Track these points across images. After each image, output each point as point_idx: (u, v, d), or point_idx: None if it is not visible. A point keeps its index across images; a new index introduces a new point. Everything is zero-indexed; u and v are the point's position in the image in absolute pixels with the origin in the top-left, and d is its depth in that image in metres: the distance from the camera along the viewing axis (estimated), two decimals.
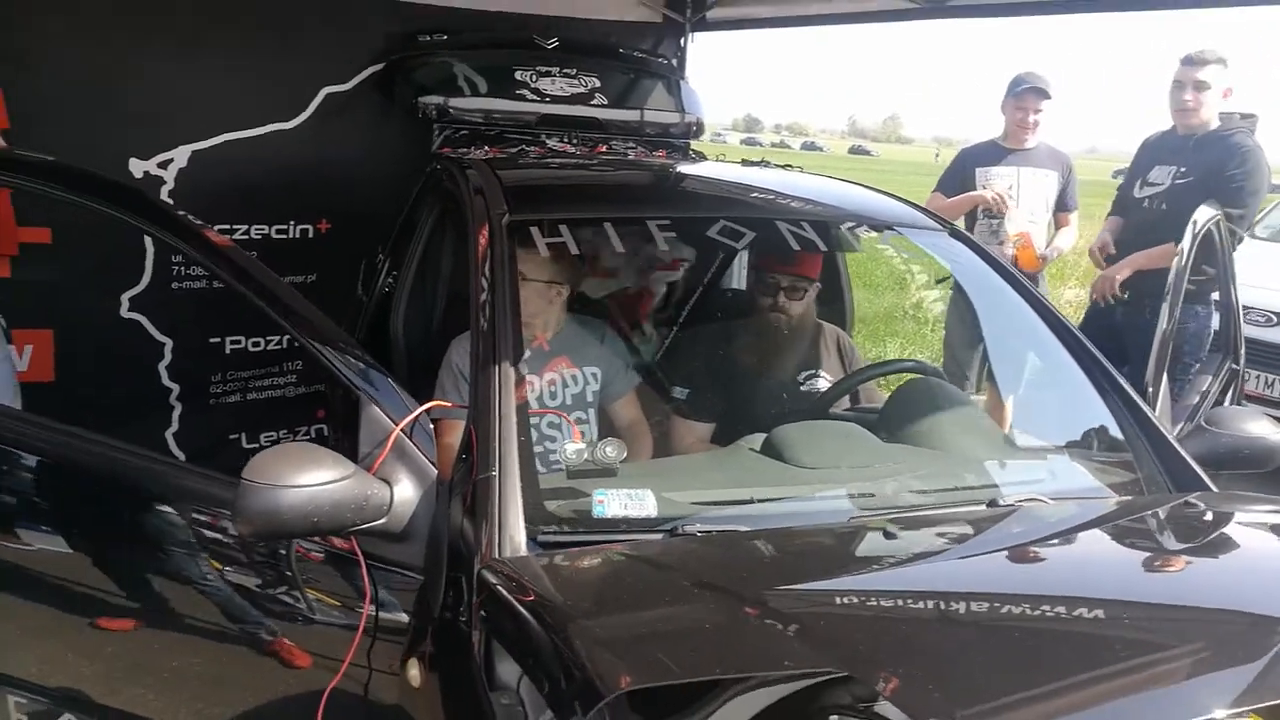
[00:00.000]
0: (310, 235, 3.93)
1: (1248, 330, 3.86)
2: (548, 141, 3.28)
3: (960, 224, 4.27)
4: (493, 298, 1.96)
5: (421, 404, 1.81)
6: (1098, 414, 2.22)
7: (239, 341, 3.94)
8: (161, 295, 3.64)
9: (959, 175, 4.32)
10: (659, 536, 1.64)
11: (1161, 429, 2.16)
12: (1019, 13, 3.82)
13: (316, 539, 1.79)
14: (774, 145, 59.31)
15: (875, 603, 1.50)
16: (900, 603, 1.49)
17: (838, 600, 1.49)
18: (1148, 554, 1.79)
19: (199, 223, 2.17)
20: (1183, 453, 2.09)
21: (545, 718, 1.37)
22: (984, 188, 4.20)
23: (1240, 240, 3.84)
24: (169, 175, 3.51)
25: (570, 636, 1.31)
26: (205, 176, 3.54)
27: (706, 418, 2.67)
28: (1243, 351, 3.03)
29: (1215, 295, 3.62)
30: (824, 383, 2.80)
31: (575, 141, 3.48)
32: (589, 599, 1.49)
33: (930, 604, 1.48)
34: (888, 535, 1.64)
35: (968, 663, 1.28)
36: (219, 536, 1.94)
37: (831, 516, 1.76)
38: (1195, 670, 1.31)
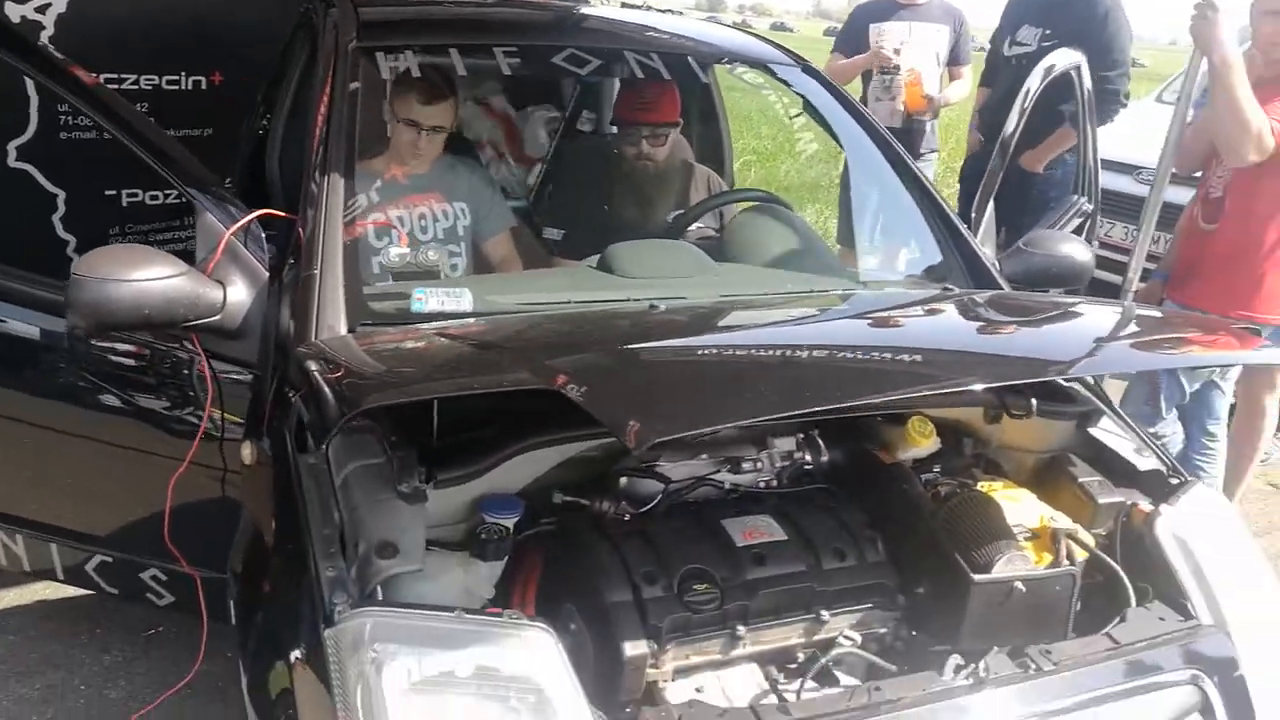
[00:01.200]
0: (203, 87, 3.90)
1: (1139, 189, 4.01)
2: None
3: (858, 83, 4.37)
4: (330, 117, 2.04)
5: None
6: (923, 238, 2.38)
7: (136, 194, 3.94)
8: (50, 144, 3.62)
9: (854, 32, 4.37)
10: (470, 321, 1.78)
11: (975, 247, 2.32)
12: None
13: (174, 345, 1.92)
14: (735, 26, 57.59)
15: (613, 344, 1.67)
16: (638, 344, 1.67)
17: (583, 341, 1.65)
18: (880, 318, 1.96)
19: (63, 58, 2.20)
20: (988, 263, 2.25)
21: (345, 473, 1.54)
22: (878, 44, 4.26)
23: (1124, 103, 3.96)
24: (48, 20, 3.45)
25: (342, 372, 1.47)
26: (87, 22, 3.47)
27: (580, 256, 2.79)
28: (1098, 194, 3.16)
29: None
30: (691, 223, 2.92)
31: None
32: (375, 359, 1.64)
33: (663, 344, 1.65)
34: (654, 308, 1.80)
35: (669, 372, 1.47)
36: (93, 354, 2.06)
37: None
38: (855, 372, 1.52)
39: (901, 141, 4.04)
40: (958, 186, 4.46)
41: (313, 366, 1.58)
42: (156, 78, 3.77)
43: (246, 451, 1.81)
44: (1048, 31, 3.84)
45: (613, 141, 3.04)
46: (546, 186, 3.08)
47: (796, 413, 1.29)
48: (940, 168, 5.31)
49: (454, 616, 1.28)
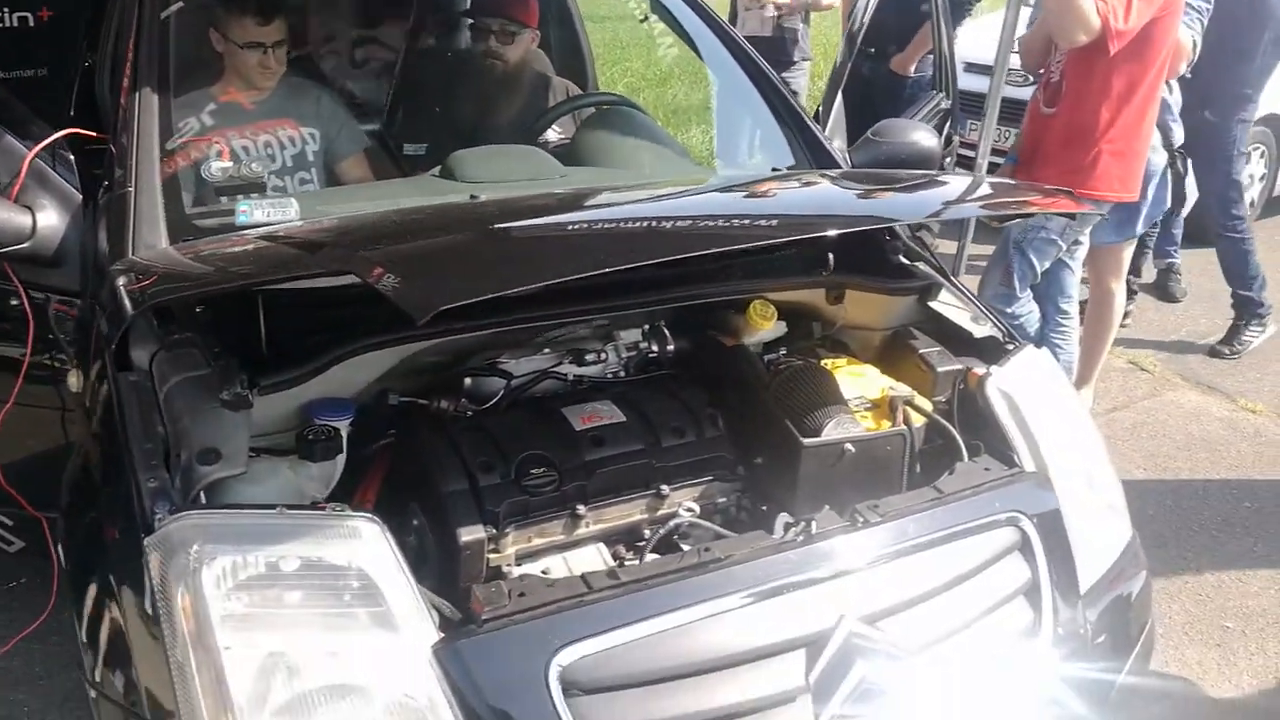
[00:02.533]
0: (30, 24, 3.68)
1: (1008, 90, 4.10)
2: None
3: None
4: (138, 28, 1.95)
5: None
6: (771, 135, 2.40)
7: None
8: None
9: None
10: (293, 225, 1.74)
11: (822, 139, 2.34)
12: None
13: None
14: None
15: (422, 228, 1.67)
16: (449, 232, 1.67)
17: (398, 233, 1.65)
18: (706, 196, 1.99)
19: None
20: (837, 155, 2.28)
21: (168, 386, 1.50)
22: None
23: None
24: None
25: (148, 280, 1.44)
26: None
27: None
28: (955, 90, 3.22)
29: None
30: (553, 134, 2.89)
31: None
32: (185, 263, 1.60)
33: (473, 230, 1.65)
34: (475, 197, 1.79)
35: (467, 250, 1.49)
36: None
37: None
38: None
39: (773, 49, 4.07)
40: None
41: (122, 280, 1.53)
42: None
43: (73, 380, 1.76)
44: None
45: (462, 54, 2.98)
46: (399, 102, 3.00)
47: (585, 275, 1.30)
48: (817, 75, 5.33)
49: (275, 513, 1.27)
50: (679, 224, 1.67)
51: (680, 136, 4.56)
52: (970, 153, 4.00)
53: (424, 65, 3.01)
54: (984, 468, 1.65)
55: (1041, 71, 3.10)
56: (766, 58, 3.21)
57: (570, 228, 1.69)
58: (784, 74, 3.95)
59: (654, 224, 1.63)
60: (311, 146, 2.62)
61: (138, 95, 1.84)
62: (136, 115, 1.82)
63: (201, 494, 1.34)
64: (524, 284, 1.23)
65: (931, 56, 3.88)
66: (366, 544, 1.26)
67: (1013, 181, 2.80)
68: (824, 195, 1.96)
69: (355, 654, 1.22)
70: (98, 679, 1.35)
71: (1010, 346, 1.90)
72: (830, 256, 1.86)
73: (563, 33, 3.40)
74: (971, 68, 4.51)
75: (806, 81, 4.71)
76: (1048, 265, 2.99)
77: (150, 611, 1.23)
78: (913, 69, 4.04)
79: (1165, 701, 2.23)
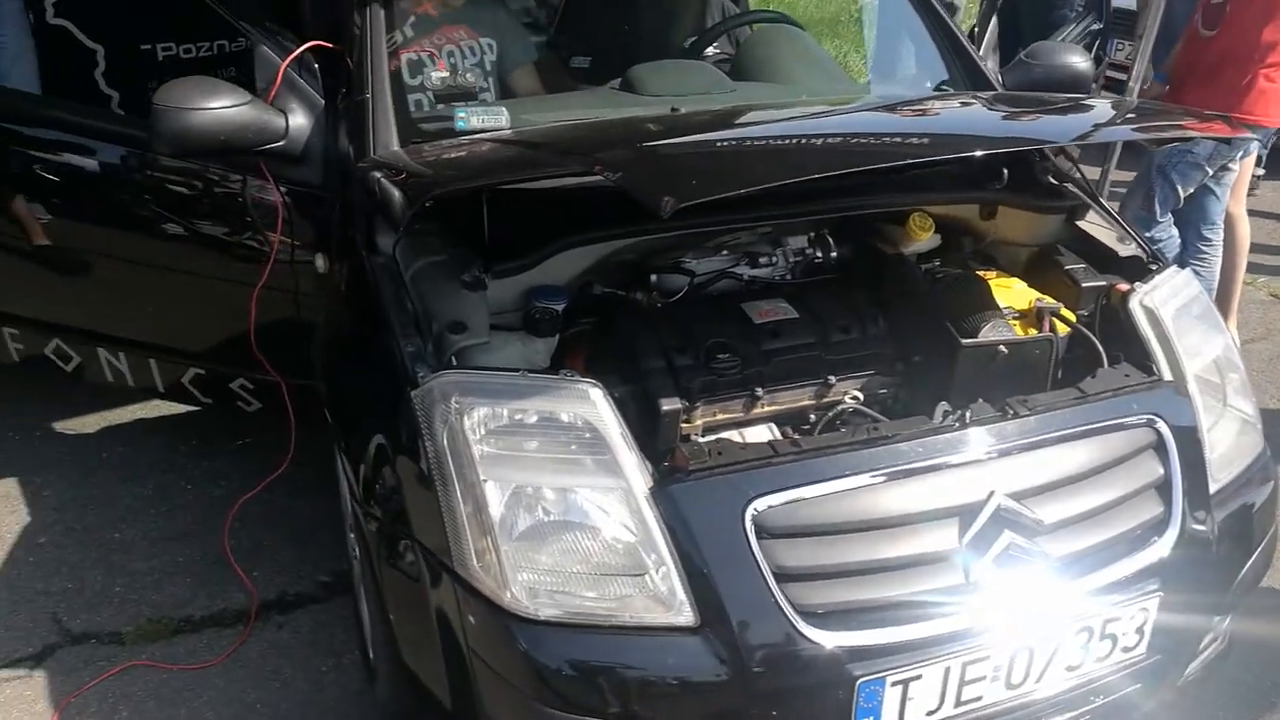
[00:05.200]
0: None
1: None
2: None
3: None
4: None
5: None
6: (929, 54, 2.50)
7: (170, 48, 4.05)
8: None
9: None
10: (508, 133, 1.97)
11: (976, 60, 2.44)
12: None
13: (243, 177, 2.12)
14: None
15: (639, 135, 1.86)
16: (661, 138, 1.86)
17: (613, 139, 1.86)
18: (883, 111, 2.12)
19: None
20: (990, 76, 2.38)
21: (413, 269, 1.77)
22: None
23: None
24: None
25: (404, 176, 1.69)
26: None
27: (604, 82, 2.93)
28: (1108, 10, 3.23)
29: None
30: (710, 49, 3.04)
31: None
32: (432, 163, 1.85)
33: (684, 137, 1.86)
34: (675, 110, 1.98)
35: (690, 155, 1.69)
36: (182, 188, 2.28)
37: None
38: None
39: None
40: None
41: (378, 175, 1.79)
42: None
43: (320, 262, 2.05)
44: None
45: None
46: (569, 17, 3.18)
47: (806, 177, 1.48)
48: None
49: (519, 375, 1.53)
50: (867, 138, 1.83)
51: (836, 53, 4.61)
52: (1119, 75, 3.98)
53: None
54: (1124, 374, 1.80)
55: None
56: None
57: (782, 140, 1.86)
58: None
59: (848, 138, 1.81)
60: (489, 56, 2.83)
61: (368, 11, 2.08)
62: (369, 30, 2.06)
63: (453, 358, 1.61)
64: (750, 185, 1.42)
65: None
66: (593, 403, 1.51)
67: (1166, 105, 2.83)
68: (981, 116, 2.08)
69: (583, 493, 1.47)
70: (372, 508, 1.65)
71: (1154, 266, 2.01)
72: (1005, 172, 1.98)
73: None
74: None
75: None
76: (1191, 190, 3.02)
77: (417, 450, 1.51)
78: None
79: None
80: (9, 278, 2.54)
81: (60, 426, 2.92)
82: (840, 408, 1.77)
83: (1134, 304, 1.89)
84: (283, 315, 2.24)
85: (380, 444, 1.64)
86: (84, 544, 2.50)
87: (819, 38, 5.82)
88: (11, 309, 2.56)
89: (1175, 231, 3.17)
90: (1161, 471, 1.72)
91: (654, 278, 1.90)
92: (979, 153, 1.80)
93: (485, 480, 1.45)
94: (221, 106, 1.90)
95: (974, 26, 2.71)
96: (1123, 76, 3.98)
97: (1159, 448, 1.73)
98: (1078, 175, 2.20)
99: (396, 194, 1.71)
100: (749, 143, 1.87)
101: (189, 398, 2.55)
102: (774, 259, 2.00)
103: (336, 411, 1.85)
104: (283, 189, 2.12)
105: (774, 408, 1.76)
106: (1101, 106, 2.01)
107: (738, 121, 2.01)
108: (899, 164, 1.78)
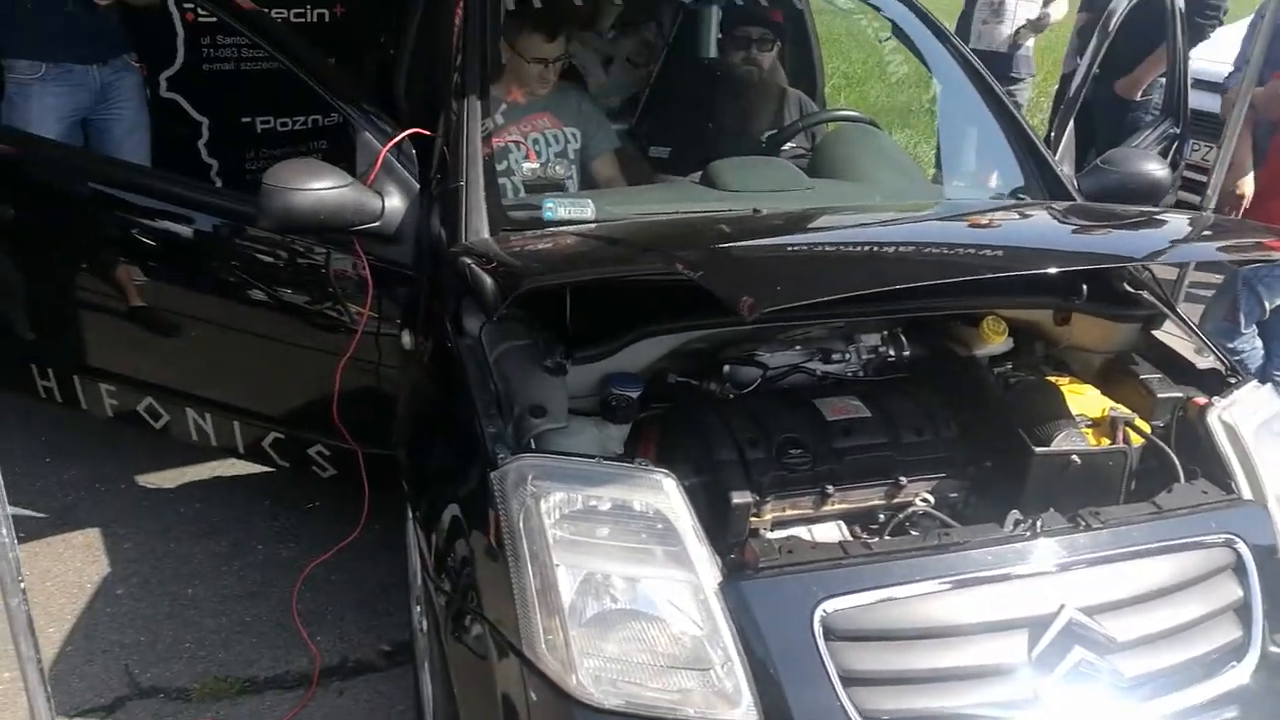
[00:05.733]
0: (326, 19, 4.20)
1: (1208, 102, 4.04)
2: None
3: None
4: (465, 47, 2.30)
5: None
6: (1005, 158, 2.54)
7: (268, 121, 4.29)
8: (195, 76, 3.99)
9: None
10: (594, 227, 2.05)
11: (1053, 165, 2.47)
12: None
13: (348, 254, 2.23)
14: None
15: (718, 237, 1.92)
16: (745, 239, 1.92)
17: (698, 238, 1.92)
18: (962, 221, 2.15)
19: None
20: (1065, 181, 2.41)
21: (497, 352, 1.83)
22: None
23: (1221, 20, 3.96)
24: None
25: (496, 265, 1.76)
26: None
27: (682, 173, 3.02)
28: (1186, 117, 3.25)
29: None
30: (787, 141, 3.12)
31: None
32: (522, 254, 1.92)
33: (767, 240, 1.91)
34: (757, 211, 2.04)
35: (774, 259, 1.73)
36: (271, 259, 2.40)
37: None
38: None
39: (1003, 66, 4.14)
40: (1048, 110, 4.52)
41: (470, 263, 1.87)
42: (285, 10, 4.08)
43: (406, 339, 2.13)
44: None
45: (716, 65, 3.24)
46: (651, 108, 3.30)
47: (889, 288, 1.51)
48: (1034, 92, 5.32)
49: (595, 462, 1.57)
50: (944, 248, 1.86)
51: (906, 143, 4.67)
52: (1197, 176, 3.97)
53: (677, 73, 3.29)
54: (1201, 490, 1.77)
55: None
56: (994, 72, 3.33)
57: (864, 246, 1.91)
58: (1009, 88, 4.04)
59: (926, 247, 1.85)
60: (573, 145, 2.95)
61: (465, 102, 2.19)
62: (465, 120, 2.17)
63: (532, 441, 1.66)
64: (831, 293, 1.46)
65: (1158, 80, 3.89)
66: (666, 494, 1.54)
67: (1246, 222, 2.81)
68: (1056, 229, 2.10)
69: (652, 583, 1.49)
70: (443, 581, 1.69)
71: (1233, 380, 1.99)
72: (1085, 288, 2.00)
73: (797, 45, 3.62)
74: (1196, 84, 4.45)
75: (1030, 95, 4.74)
76: (1278, 302, 2.99)
77: (494, 530, 1.55)
78: (1139, 94, 4.03)
79: None
80: (110, 337, 2.67)
81: (142, 480, 3.03)
82: (911, 509, 1.77)
83: (1212, 419, 1.87)
84: (363, 386, 2.33)
85: (456, 519, 1.68)
86: (158, 597, 2.57)
87: (890, 127, 5.94)
88: (110, 366, 2.68)
89: (1259, 343, 3.12)
90: (1241, 594, 1.68)
91: (727, 368, 1.94)
92: (1053, 270, 1.82)
93: (558, 565, 1.48)
94: (324, 188, 2.01)
95: (1049, 131, 2.74)
96: (1201, 178, 3.99)
97: (1238, 569, 1.69)
98: (1154, 284, 2.20)
99: (487, 281, 1.78)
100: (830, 248, 1.92)
101: (267, 460, 2.63)
102: (847, 355, 2.02)
103: (415, 483, 1.90)
104: (373, 266, 2.21)
105: (844, 506, 1.77)
106: (1178, 222, 2.01)
107: (818, 225, 2.07)
108: (974, 278, 1.81)
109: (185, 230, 2.50)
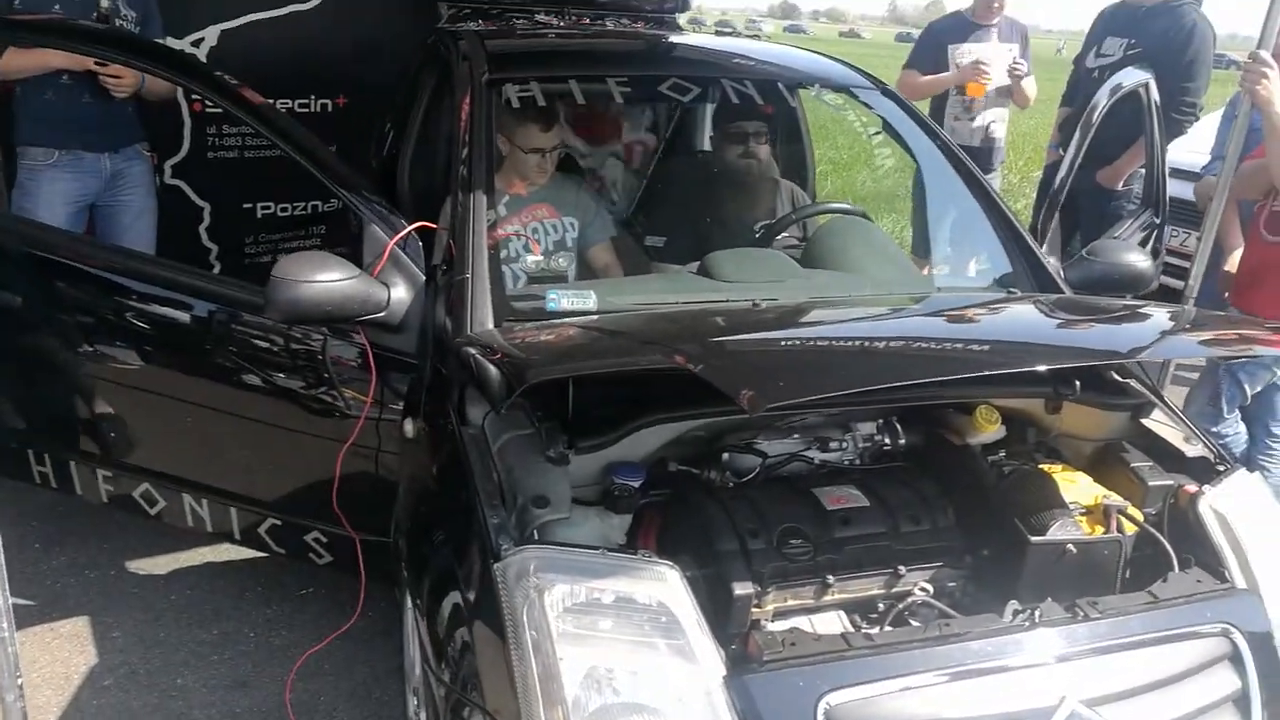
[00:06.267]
0: (329, 110, 4.33)
1: (1185, 191, 4.17)
2: (536, 16, 3.62)
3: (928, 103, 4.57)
4: (471, 143, 2.37)
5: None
6: (993, 248, 2.62)
7: (269, 207, 4.39)
8: (199, 163, 4.09)
9: (930, 49, 4.59)
10: (594, 318, 2.09)
11: (1040, 256, 2.54)
12: None
13: (345, 341, 2.27)
14: (792, 32, 57.15)
15: (719, 329, 1.97)
16: (745, 333, 1.97)
17: (698, 330, 1.97)
18: (954, 315, 2.20)
19: (235, 82, 2.58)
20: (1052, 271, 2.48)
21: (500, 441, 1.86)
22: (957, 66, 4.47)
23: (1197, 116, 4.11)
24: (201, 53, 3.90)
25: (501, 357, 1.80)
26: (233, 54, 3.93)
27: (678, 261, 3.09)
28: (1165, 207, 3.35)
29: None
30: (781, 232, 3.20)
31: (567, 16, 3.82)
32: (526, 346, 1.95)
33: (766, 333, 1.95)
34: (756, 304, 2.09)
35: (775, 353, 1.78)
36: (268, 345, 2.43)
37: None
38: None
39: (978, 158, 4.28)
40: (1030, 197, 4.66)
41: (475, 353, 1.90)
42: (290, 101, 4.22)
43: (409, 427, 2.15)
44: (1133, 41, 4.01)
45: (710, 158, 3.34)
46: (647, 199, 3.38)
47: (886, 386, 1.55)
48: (1016, 177, 5.48)
49: (599, 554, 1.58)
50: (940, 343, 1.92)
51: (892, 229, 4.78)
52: (1178, 261, 4.06)
53: (673, 165, 3.39)
54: (1196, 579, 1.80)
55: (1259, 200, 3.18)
56: (978, 164, 3.41)
57: (862, 341, 1.97)
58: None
59: (923, 343, 1.90)
60: (570, 233, 3.02)
61: (472, 196, 2.25)
62: (470, 214, 2.23)
63: (535, 532, 1.67)
64: (839, 390, 1.50)
65: (1139, 170, 4.02)
66: (669, 586, 1.55)
67: (1231, 317, 2.87)
68: (1047, 325, 2.15)
69: (655, 677, 1.49)
70: (442, 671, 1.68)
71: (1222, 467, 2.03)
72: (1078, 384, 2.06)
73: (788, 137, 3.74)
74: (1173, 173, 4.59)
75: (999, 185, 4.89)
76: (1259, 389, 3.05)
77: (495, 620, 1.55)
78: (1120, 184, 4.15)
79: None
80: (107, 422, 2.68)
81: (132, 566, 3.01)
82: (910, 599, 1.78)
83: (1203, 507, 1.90)
84: (362, 472, 2.34)
85: (457, 609, 1.68)
86: (146, 689, 2.53)
87: (875, 212, 6.08)
88: (107, 451, 2.69)
89: (1243, 428, 3.17)
90: (1239, 684, 1.69)
91: (726, 456, 1.97)
92: (1042, 368, 1.88)
93: (561, 657, 1.48)
94: (332, 280, 2.06)
95: (1035, 220, 2.82)
96: (1181, 263, 4.09)
97: (1235, 659, 1.71)
98: (1141, 372, 2.25)
99: (493, 373, 1.82)
100: (830, 343, 1.97)
101: (263, 546, 2.62)
102: (843, 444, 2.06)
103: (415, 571, 1.90)
104: (375, 354, 2.25)
105: (844, 595, 1.78)
106: (1165, 318, 2.08)
107: (816, 319, 2.12)
108: (970, 375, 1.86)
109: (183, 316, 2.52)
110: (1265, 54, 2.98)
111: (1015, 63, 4.43)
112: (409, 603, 1.94)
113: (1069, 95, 4.36)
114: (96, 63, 3.11)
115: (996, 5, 4.43)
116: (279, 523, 2.56)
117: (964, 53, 4.50)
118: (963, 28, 4.52)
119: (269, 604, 2.85)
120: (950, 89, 4.52)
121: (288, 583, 2.91)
